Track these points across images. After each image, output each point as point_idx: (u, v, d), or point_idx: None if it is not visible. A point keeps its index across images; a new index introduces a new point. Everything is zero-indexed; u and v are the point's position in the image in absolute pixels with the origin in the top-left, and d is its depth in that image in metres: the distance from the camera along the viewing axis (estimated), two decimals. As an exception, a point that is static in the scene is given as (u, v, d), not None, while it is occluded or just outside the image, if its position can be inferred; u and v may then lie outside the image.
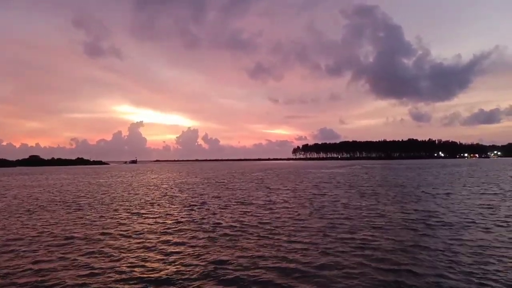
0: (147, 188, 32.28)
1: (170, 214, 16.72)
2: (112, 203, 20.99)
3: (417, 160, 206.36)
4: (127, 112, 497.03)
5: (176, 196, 24.71)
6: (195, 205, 19.70)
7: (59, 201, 22.45)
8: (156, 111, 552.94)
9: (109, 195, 25.87)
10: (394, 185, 30.59)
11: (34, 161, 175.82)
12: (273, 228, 13.09)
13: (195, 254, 9.69)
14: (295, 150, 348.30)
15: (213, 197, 23.88)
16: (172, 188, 31.96)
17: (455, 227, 12.75)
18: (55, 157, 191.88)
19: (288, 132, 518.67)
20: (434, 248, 9.84)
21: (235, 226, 13.42)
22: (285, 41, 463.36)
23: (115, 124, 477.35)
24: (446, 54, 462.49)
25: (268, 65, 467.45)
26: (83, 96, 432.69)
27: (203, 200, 21.92)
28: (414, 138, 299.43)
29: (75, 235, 12.32)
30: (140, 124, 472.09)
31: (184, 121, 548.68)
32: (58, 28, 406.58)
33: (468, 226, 12.82)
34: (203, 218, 15.38)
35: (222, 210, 17.67)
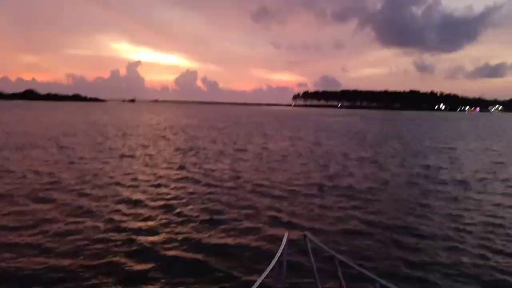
0: (142, 130, 31.47)
1: (163, 159, 15.94)
2: (102, 144, 20.20)
3: (418, 111, 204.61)
4: (125, 50, 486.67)
5: (171, 140, 23.92)
6: (189, 150, 18.90)
7: (48, 140, 21.61)
8: (155, 51, 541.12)
9: (102, 135, 25.04)
10: (396, 137, 29.85)
11: (29, 95, 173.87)
12: (268, 179, 12.30)
13: (185, 209, 8.83)
14: (295, 97, 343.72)
15: (209, 141, 23.09)
16: (167, 130, 31.16)
17: (462, 185, 11.97)
18: (52, 93, 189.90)
19: (289, 78, 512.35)
20: (440, 208, 9.12)
21: (229, 178, 12.46)
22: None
23: (112, 62, 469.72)
24: (457, 4, 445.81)
25: (272, 9, 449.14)
26: (81, 32, 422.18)
27: (198, 145, 21.09)
28: (416, 89, 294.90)
29: (58, 179, 11.49)
30: (138, 63, 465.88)
31: (183, 62, 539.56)
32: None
33: (476, 185, 12.04)
34: (196, 165, 14.55)
35: (218, 158, 16.79)
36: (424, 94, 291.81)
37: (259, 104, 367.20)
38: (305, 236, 2.86)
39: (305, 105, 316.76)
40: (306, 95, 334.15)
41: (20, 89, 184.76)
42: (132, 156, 16.33)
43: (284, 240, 2.74)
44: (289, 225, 7.70)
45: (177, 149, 19.11)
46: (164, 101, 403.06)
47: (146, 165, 14.38)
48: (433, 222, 8.08)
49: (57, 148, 18.07)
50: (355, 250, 6.54)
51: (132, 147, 19.33)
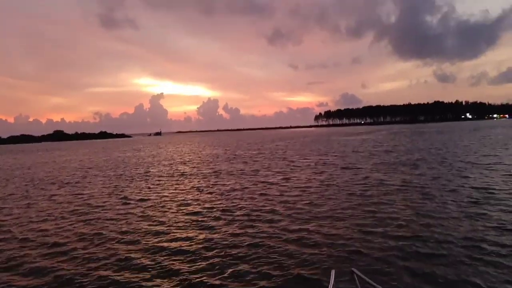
0: (166, 165, 30.31)
1: (187, 203, 14.44)
2: (121, 188, 18.98)
3: (444, 122, 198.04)
4: (148, 84, 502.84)
5: (194, 176, 22.50)
6: (217, 188, 17.39)
7: (61, 180, 20.60)
8: (176, 82, 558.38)
9: (119, 172, 23.92)
10: (431, 154, 27.44)
11: (58, 136, 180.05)
12: (303, 214, 10.62)
13: (221, 253, 7.40)
14: (317, 117, 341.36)
15: (235, 174, 21.52)
16: (191, 164, 29.91)
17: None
18: (79, 132, 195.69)
19: (309, 99, 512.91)
20: (505, 248, 7.14)
21: (262, 216, 10.96)
22: (304, 3, 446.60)
23: (136, 96, 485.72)
24: (473, 10, 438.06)
25: (286, 30, 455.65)
26: (104, 70, 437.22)
27: (225, 180, 19.58)
28: (440, 100, 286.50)
29: (71, 235, 10.17)
30: (161, 96, 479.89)
31: (204, 92, 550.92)
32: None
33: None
34: (213, 201, 13.02)
35: (246, 195, 15.01)
36: (449, 104, 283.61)
37: (281, 128, 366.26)
38: (352, 272, 2.81)
39: (328, 125, 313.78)
40: (328, 114, 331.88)
41: (51, 130, 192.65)
42: (152, 205, 14.89)
43: (332, 277, 2.65)
44: (334, 262, 7.06)
45: (204, 189, 17.60)
46: (188, 132, 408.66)
47: (157, 203, 12.86)
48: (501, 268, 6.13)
49: (71, 195, 16.91)
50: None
51: (153, 190, 17.94)
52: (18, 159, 48.67)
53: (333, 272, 2.79)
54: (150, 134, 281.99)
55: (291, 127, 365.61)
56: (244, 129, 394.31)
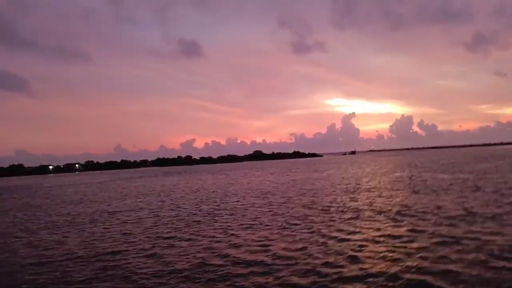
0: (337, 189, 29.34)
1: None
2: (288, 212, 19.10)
3: None
4: (339, 104, 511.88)
5: (359, 211, 20.81)
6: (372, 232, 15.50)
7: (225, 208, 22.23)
8: (367, 101, 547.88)
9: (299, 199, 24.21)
10: None
11: (257, 155, 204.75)
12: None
13: None
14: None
15: (404, 211, 18.87)
16: (357, 194, 27.96)
17: None
18: (276, 151, 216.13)
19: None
20: None
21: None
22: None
23: (328, 117, 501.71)
24: None
25: (489, 33, 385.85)
26: (298, 93, 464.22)
27: (385, 220, 17.36)
28: None
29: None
30: (352, 115, 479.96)
31: (397, 109, 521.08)
32: (266, 31, 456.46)
33: None
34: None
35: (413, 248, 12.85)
36: None
37: (488, 144, 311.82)
38: None
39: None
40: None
41: (252, 150, 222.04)
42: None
43: None
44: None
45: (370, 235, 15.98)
46: (381, 150, 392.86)
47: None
48: None
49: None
50: None
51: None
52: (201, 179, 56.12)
53: None
54: (345, 153, 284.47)
55: (501, 143, 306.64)
56: (442, 147, 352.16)
